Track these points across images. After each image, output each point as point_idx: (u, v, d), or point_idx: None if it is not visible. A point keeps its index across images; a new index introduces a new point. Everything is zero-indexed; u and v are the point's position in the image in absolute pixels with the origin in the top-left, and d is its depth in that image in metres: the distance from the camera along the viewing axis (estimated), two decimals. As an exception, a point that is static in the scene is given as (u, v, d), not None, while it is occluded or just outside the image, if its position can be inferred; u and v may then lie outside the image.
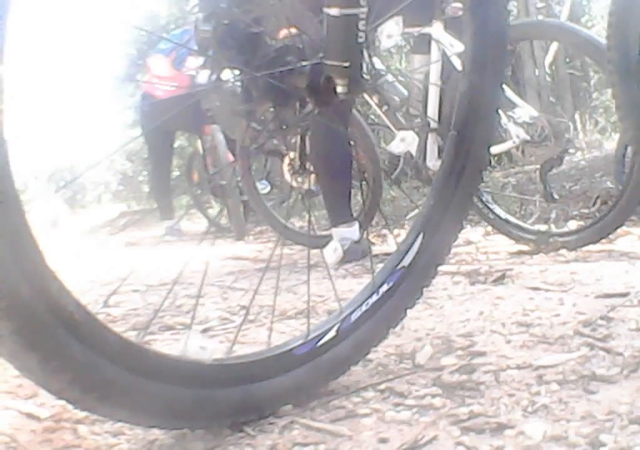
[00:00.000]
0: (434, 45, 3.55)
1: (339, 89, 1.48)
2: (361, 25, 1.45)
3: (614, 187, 4.96)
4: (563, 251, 3.36)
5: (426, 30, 3.52)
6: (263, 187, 6.87)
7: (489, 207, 3.69)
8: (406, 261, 1.64)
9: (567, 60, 11.91)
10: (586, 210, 4.88)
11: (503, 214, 3.72)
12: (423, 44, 3.61)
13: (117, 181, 22.24)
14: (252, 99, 1.50)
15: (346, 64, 1.45)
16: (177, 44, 6.68)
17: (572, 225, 4.18)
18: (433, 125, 3.55)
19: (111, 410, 1.15)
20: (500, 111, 3.07)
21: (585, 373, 1.45)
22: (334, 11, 1.42)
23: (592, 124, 10.41)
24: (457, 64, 3.34)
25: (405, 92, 3.65)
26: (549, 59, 10.06)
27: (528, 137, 3.22)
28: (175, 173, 9.99)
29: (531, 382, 1.44)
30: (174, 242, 6.80)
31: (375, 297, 1.59)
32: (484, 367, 1.57)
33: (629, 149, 4.56)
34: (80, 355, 1.04)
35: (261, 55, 1.45)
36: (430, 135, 3.53)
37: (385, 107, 3.55)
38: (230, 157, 6.53)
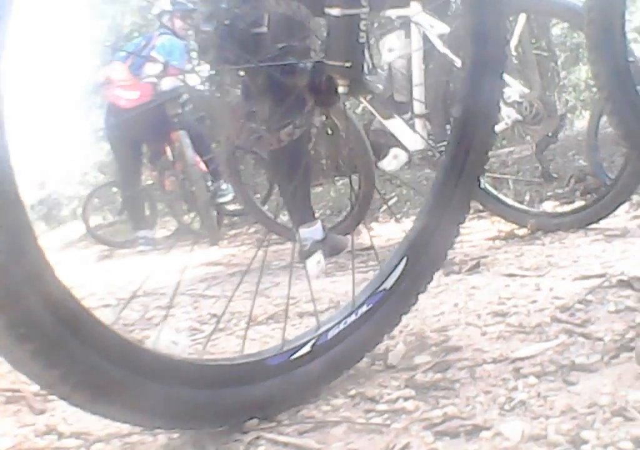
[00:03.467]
0: (413, 27, 3.45)
1: (340, 89, 1.48)
2: (362, 25, 1.44)
3: (586, 165, 4.92)
4: (539, 233, 3.31)
5: (404, 12, 3.42)
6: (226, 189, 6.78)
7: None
8: (388, 284, 1.61)
9: (533, 41, 11.89)
10: (560, 190, 4.83)
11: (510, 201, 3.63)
12: (402, 26, 3.50)
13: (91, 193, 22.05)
14: (251, 98, 1.54)
15: (348, 64, 1.45)
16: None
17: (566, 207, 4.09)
18: (420, 110, 3.46)
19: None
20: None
21: (564, 363, 1.38)
22: (335, 11, 1.42)
23: (562, 104, 10.39)
24: (439, 46, 3.26)
25: (388, 79, 3.55)
26: (514, 41, 10.03)
27: (520, 117, 3.14)
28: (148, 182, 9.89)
29: (508, 376, 1.37)
30: (148, 251, 6.71)
31: (353, 317, 1.55)
32: (459, 363, 1.50)
33: (600, 126, 4.53)
34: (76, 351, 1.05)
35: (262, 55, 1.49)
36: (417, 121, 3.44)
37: (369, 96, 3.46)
38: (199, 163, 6.46)
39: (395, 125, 3.42)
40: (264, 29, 1.59)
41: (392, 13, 3.42)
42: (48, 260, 1.01)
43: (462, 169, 1.72)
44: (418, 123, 3.43)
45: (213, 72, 1.56)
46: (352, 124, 4.07)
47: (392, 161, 3.51)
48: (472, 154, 1.73)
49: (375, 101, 3.45)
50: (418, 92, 3.44)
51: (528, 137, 3.26)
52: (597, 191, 4.28)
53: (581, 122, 9.18)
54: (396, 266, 1.63)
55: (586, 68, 13.38)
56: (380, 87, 3.31)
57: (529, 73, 3.56)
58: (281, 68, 1.48)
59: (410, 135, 3.40)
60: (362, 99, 3.56)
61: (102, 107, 14.84)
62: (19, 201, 0.97)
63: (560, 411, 1.15)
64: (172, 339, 1.59)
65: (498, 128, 3.20)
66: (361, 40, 1.45)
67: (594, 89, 12.21)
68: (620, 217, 3.36)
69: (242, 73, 1.56)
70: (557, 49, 13.21)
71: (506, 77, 3.20)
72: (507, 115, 3.15)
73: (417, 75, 3.43)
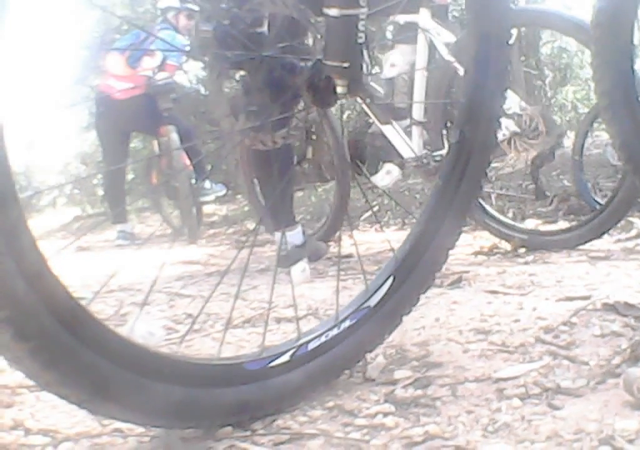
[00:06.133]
0: (420, 34, 3.42)
1: (339, 89, 1.48)
2: (361, 25, 1.43)
3: (570, 185, 4.91)
4: (521, 252, 3.29)
5: (413, 18, 3.40)
6: (219, 190, 6.75)
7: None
8: (372, 301, 1.59)
9: (523, 58, 11.91)
10: (543, 209, 4.82)
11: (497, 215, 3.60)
12: (409, 33, 3.47)
13: (72, 185, 21.92)
14: (249, 98, 1.54)
15: (346, 65, 1.44)
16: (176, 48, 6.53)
17: (563, 224, 4.07)
18: (419, 117, 3.42)
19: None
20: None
21: (549, 385, 1.36)
22: (333, 12, 1.42)
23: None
24: (445, 53, 3.23)
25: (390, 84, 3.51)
26: (504, 57, 10.03)
27: (518, 129, 3.10)
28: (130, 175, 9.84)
29: (491, 396, 1.34)
30: (126, 246, 6.65)
31: (335, 331, 1.52)
32: (440, 380, 1.47)
33: (585, 146, 4.52)
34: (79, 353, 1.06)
35: (262, 54, 1.48)
36: (414, 128, 3.40)
37: (368, 100, 3.43)
38: (186, 159, 6.42)
39: (392, 132, 3.38)
40: (264, 29, 1.57)
41: (401, 19, 3.40)
42: (47, 261, 1.03)
43: (455, 193, 1.71)
44: (415, 131, 3.40)
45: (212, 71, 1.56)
46: (334, 128, 4.04)
47: (385, 177, 3.47)
48: (467, 179, 1.72)
49: (374, 105, 3.42)
50: (419, 99, 3.41)
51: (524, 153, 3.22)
52: (582, 212, 4.28)
53: (566, 142, 9.19)
54: (382, 284, 1.61)
55: (573, 89, 13.43)
56: (381, 91, 3.27)
57: (516, 89, 3.53)
58: (280, 68, 1.48)
59: (406, 143, 3.37)
60: (361, 103, 3.53)
61: (86, 97, 14.77)
62: (16, 201, 0.98)
63: (546, 436, 1.11)
64: (148, 330, 1.55)
65: None
66: (360, 41, 1.44)
67: (580, 110, 12.25)
68: (604, 240, 3.34)
69: (242, 72, 1.54)
70: (546, 68, 13.24)
71: (507, 90, 3.18)
72: (506, 127, 3.12)
73: (420, 82, 3.40)
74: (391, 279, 1.62)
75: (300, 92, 1.49)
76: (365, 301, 1.58)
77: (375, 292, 1.60)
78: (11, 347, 1.00)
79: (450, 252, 2.92)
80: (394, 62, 3.42)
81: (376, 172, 3.56)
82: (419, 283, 1.68)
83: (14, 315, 0.98)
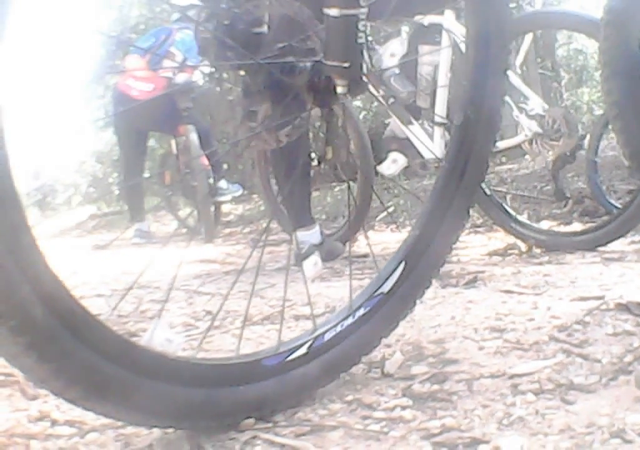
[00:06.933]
0: (444, 35, 3.44)
1: (339, 90, 1.47)
2: (361, 25, 1.43)
3: (585, 187, 4.93)
4: (536, 252, 3.31)
5: (437, 19, 3.43)
6: (235, 190, 6.77)
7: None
8: (385, 288, 1.61)
9: (539, 60, 11.92)
10: (558, 211, 4.84)
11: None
12: (433, 34, 3.49)
13: (87, 183, 22.03)
14: (250, 97, 1.53)
15: (346, 65, 1.44)
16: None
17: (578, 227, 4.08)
18: (440, 119, 3.45)
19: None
20: (511, 103, 2.95)
21: (562, 382, 1.39)
22: (333, 11, 1.41)
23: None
24: None
25: (413, 85, 3.53)
26: (520, 58, 10.04)
27: (540, 130, 3.13)
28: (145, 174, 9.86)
29: (506, 392, 1.37)
30: (143, 244, 6.69)
31: (350, 320, 1.54)
32: (456, 376, 1.50)
33: (600, 148, 4.54)
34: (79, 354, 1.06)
35: (262, 55, 1.48)
36: (436, 129, 3.43)
37: (391, 100, 3.45)
38: (204, 159, 6.44)
39: (414, 132, 3.41)
40: (264, 29, 1.58)
41: (425, 20, 3.42)
42: (47, 262, 1.02)
43: (462, 174, 1.72)
44: (437, 131, 3.42)
45: (213, 70, 1.57)
46: (358, 128, 4.07)
47: (391, 165, 3.49)
48: (473, 160, 1.74)
49: (396, 106, 3.45)
50: (441, 100, 3.43)
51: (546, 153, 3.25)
52: (597, 214, 4.30)
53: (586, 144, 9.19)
54: (394, 270, 1.63)
55: (589, 90, 13.44)
56: (404, 91, 3.29)
57: (532, 91, 3.54)
58: (280, 67, 1.48)
59: (427, 143, 3.39)
60: (384, 103, 3.55)
61: (102, 96, 14.85)
62: (17, 200, 0.98)
63: (559, 429, 1.15)
64: (166, 337, 1.58)
65: (518, 139, 3.21)
66: (360, 41, 1.44)
67: (595, 112, 12.25)
68: (618, 241, 3.36)
69: (241, 72, 1.56)
70: (562, 70, 13.24)
71: (527, 90, 3.20)
72: (528, 128, 3.15)
73: (443, 83, 3.42)
74: (403, 264, 1.63)
75: (300, 92, 1.50)
76: (378, 288, 1.60)
77: (388, 278, 1.62)
78: (35, 369, 1.03)
79: (466, 252, 2.97)
80: (393, 51, 3.43)
81: (383, 161, 3.59)
82: (430, 267, 1.69)
83: (36, 339, 1.00)
